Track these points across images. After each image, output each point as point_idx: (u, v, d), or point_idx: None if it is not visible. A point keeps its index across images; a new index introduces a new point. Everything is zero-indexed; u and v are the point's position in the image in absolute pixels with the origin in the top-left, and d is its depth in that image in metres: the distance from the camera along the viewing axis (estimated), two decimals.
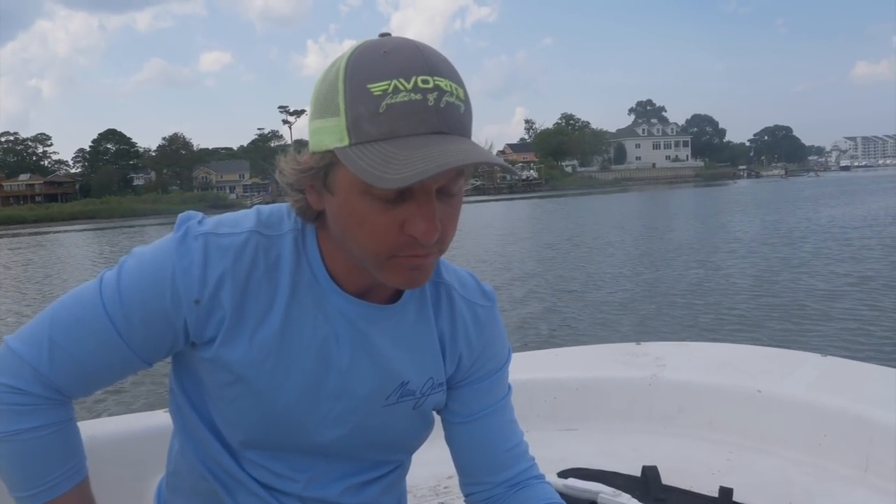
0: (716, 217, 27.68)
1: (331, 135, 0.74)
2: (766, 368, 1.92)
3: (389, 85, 0.70)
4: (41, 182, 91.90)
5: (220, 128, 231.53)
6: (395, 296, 0.92)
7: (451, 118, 0.72)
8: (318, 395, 0.88)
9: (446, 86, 0.72)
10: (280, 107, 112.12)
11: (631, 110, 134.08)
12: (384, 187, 0.68)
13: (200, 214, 0.87)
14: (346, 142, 0.72)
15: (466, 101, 0.75)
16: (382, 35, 0.77)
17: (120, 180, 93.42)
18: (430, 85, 0.71)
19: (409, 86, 0.70)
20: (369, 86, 0.71)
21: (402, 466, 1.04)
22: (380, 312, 0.89)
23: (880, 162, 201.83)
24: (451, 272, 0.99)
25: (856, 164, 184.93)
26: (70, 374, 0.84)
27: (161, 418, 1.58)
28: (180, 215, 0.87)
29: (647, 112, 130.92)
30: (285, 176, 0.81)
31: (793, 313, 8.67)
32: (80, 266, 21.54)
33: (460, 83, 0.75)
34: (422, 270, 0.79)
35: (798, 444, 1.70)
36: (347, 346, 0.88)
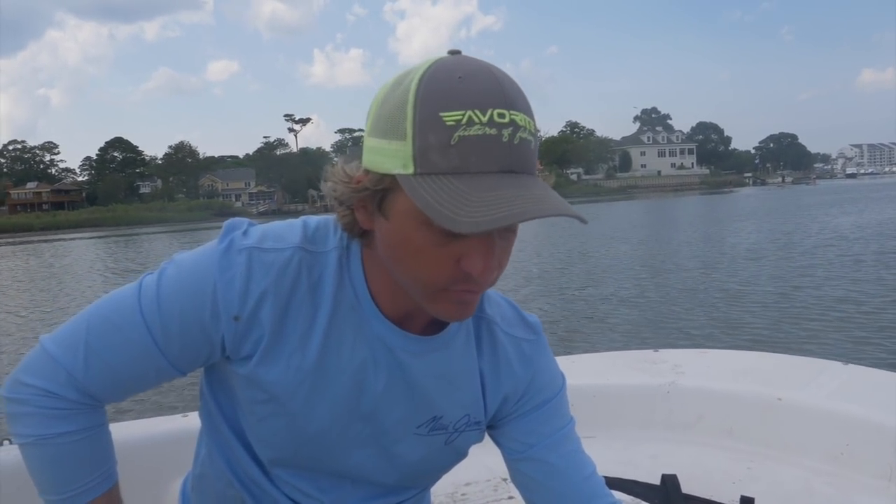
0: (726, 224, 27.57)
1: (393, 159, 0.69)
2: (787, 376, 1.90)
3: (464, 116, 0.66)
4: (48, 190, 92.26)
5: (227, 136, 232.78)
6: (437, 325, 0.88)
7: (523, 155, 0.69)
8: (351, 417, 0.87)
9: (521, 120, 0.69)
10: (286, 115, 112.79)
11: (636, 118, 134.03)
12: (453, 230, 0.64)
13: (246, 223, 0.84)
14: (410, 170, 0.68)
15: (535, 133, 0.72)
16: (452, 53, 0.73)
17: (126, 188, 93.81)
18: (507, 120, 0.67)
19: (485, 119, 0.66)
20: (442, 114, 0.66)
21: (426, 488, 1.03)
22: (420, 345, 0.86)
23: (886, 169, 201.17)
24: (493, 304, 0.94)
25: (862, 171, 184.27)
26: (104, 380, 0.83)
27: (182, 422, 1.59)
28: (226, 223, 0.84)
29: (652, 120, 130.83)
30: (335, 191, 0.78)
31: (812, 321, 8.57)
32: (84, 270, 21.63)
33: (531, 114, 0.71)
34: (469, 305, 0.77)
35: (820, 453, 1.68)
36: (384, 371, 0.85)
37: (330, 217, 0.85)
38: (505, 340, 0.93)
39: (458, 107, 0.66)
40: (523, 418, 0.94)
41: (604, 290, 12.12)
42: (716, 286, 11.71)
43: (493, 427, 0.96)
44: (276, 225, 0.86)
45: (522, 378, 0.93)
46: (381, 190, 0.72)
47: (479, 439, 0.96)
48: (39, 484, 0.88)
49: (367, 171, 0.74)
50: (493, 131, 0.66)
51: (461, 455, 0.97)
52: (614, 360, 2.23)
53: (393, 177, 0.70)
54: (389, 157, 0.70)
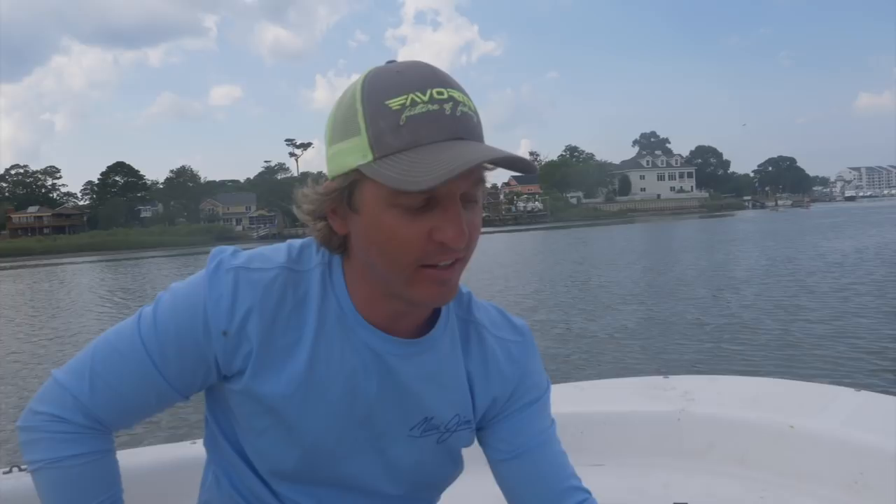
0: (729, 247, 27.47)
1: (353, 154, 0.76)
2: (799, 403, 1.88)
3: (407, 98, 0.74)
4: (49, 214, 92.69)
5: (229, 160, 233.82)
6: (422, 330, 0.92)
7: (468, 125, 0.76)
8: (347, 424, 0.89)
9: (459, 97, 0.76)
10: (287, 140, 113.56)
11: (635, 142, 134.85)
12: (416, 189, 0.70)
13: (233, 248, 0.90)
14: (369, 157, 0.74)
15: (477, 112, 0.79)
16: (389, 63, 0.80)
17: (127, 212, 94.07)
18: (445, 96, 0.75)
19: (426, 97, 0.74)
20: (387, 101, 0.74)
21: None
22: (406, 348, 0.89)
23: (885, 192, 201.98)
24: (480, 310, 0.99)
25: (861, 194, 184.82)
26: (109, 404, 0.87)
27: (190, 450, 1.58)
28: (213, 251, 0.90)
29: (651, 144, 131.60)
30: (307, 204, 0.83)
31: (821, 347, 8.44)
32: (85, 295, 21.58)
33: (469, 97, 0.79)
34: (448, 285, 0.80)
35: (834, 482, 1.65)
36: (375, 377, 0.88)
37: (312, 238, 0.90)
38: (493, 342, 0.96)
39: (401, 92, 0.74)
40: (511, 418, 0.97)
41: (609, 315, 12.02)
42: (720, 311, 11.61)
43: (481, 428, 0.99)
44: (263, 248, 0.92)
45: (511, 378, 0.96)
46: (349, 186, 0.78)
47: (470, 441, 0.99)
48: None
49: (334, 178, 0.80)
50: (436, 107, 0.74)
51: (455, 459, 0.99)
52: (623, 386, 2.20)
53: (357, 170, 0.76)
54: (350, 153, 0.76)
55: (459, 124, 0.75)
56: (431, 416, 0.93)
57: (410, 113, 0.73)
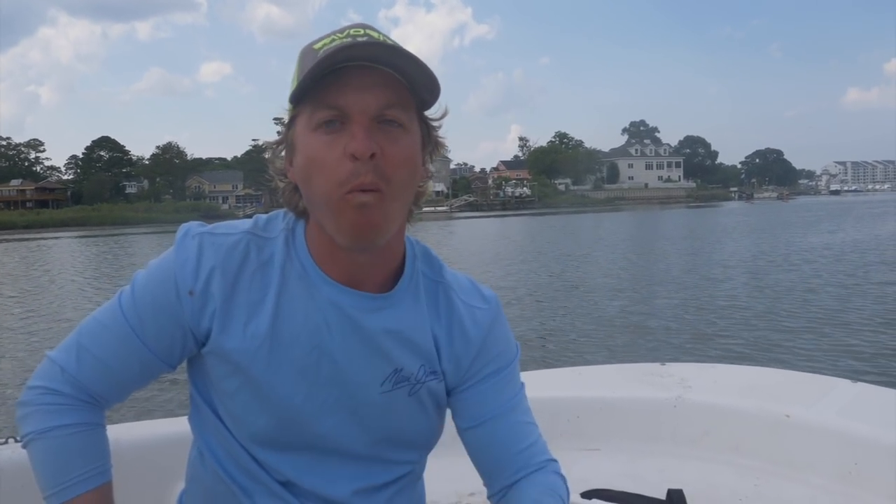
0: (725, 237, 27.52)
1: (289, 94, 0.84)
2: (795, 393, 1.89)
3: (328, 39, 0.84)
4: (32, 188, 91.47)
5: (217, 138, 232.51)
6: (387, 287, 0.94)
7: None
8: (315, 382, 0.91)
9: (378, 36, 0.82)
10: (275, 118, 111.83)
11: (624, 130, 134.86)
12: (295, 90, 0.81)
13: (200, 222, 0.96)
14: (292, 89, 0.83)
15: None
16: None
17: (112, 188, 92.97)
18: (362, 32, 0.83)
19: (343, 35, 0.83)
20: (314, 46, 0.84)
21: (412, 472, 1.04)
22: (370, 302, 0.91)
23: (869, 187, 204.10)
24: (451, 274, 1.01)
25: (846, 188, 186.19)
26: (95, 373, 0.91)
27: (185, 424, 1.56)
28: (181, 226, 0.94)
29: (640, 132, 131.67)
30: (275, 161, 0.91)
31: (819, 338, 8.48)
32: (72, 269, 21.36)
33: (402, 46, 0.82)
34: (368, 212, 0.81)
35: (828, 472, 1.66)
36: (339, 333, 0.90)
37: (280, 211, 0.96)
38: (460, 306, 0.99)
39: (325, 38, 0.85)
40: (477, 387, 0.98)
41: (608, 301, 12.05)
42: (719, 300, 11.63)
43: (450, 394, 1.00)
44: (232, 220, 0.97)
45: (474, 341, 0.97)
46: (289, 124, 0.87)
47: (441, 393, 0.99)
48: (39, 482, 0.91)
49: None
50: (349, 39, 0.81)
51: (429, 415, 0.99)
52: (621, 372, 2.21)
53: (292, 110, 0.86)
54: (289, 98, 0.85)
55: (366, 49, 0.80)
56: (400, 367, 0.94)
57: (327, 48, 0.80)
